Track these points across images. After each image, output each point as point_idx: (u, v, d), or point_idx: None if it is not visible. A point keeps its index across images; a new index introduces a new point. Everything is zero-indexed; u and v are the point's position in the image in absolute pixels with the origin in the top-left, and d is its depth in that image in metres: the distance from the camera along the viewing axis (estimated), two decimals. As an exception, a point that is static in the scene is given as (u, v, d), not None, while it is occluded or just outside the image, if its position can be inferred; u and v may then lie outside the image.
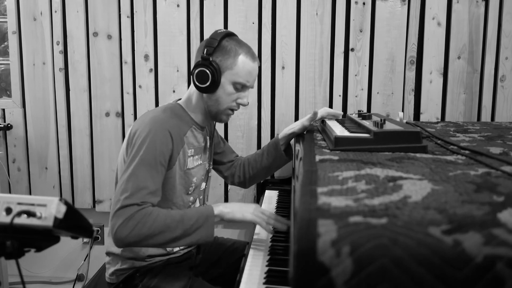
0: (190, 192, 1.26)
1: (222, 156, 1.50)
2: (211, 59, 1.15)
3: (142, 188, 1.06)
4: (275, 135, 1.49)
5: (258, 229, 1.40)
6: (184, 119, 1.24)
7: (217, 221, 1.12)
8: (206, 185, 1.40)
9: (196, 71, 1.16)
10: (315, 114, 1.37)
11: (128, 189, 1.05)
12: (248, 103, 1.26)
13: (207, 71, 1.15)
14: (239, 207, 1.16)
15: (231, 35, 1.22)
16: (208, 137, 1.37)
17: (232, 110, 1.24)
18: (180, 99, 1.32)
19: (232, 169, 1.52)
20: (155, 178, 1.09)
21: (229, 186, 2.07)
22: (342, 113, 1.45)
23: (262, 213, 1.17)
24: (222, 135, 2.03)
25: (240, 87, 1.20)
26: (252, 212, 1.16)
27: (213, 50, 1.16)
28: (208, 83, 1.15)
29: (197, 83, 1.16)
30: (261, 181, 2.00)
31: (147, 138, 1.10)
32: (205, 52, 1.16)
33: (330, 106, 1.99)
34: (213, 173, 1.59)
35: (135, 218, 1.02)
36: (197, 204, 1.36)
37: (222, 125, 2.04)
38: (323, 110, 1.42)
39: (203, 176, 1.32)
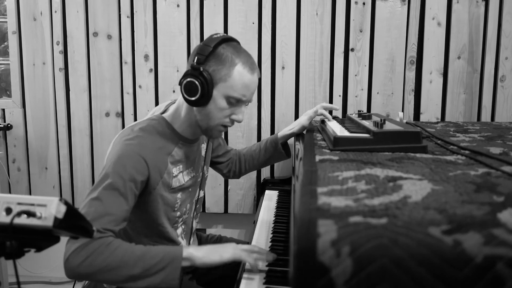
0: (176, 209, 1.18)
1: (222, 156, 1.49)
2: (202, 69, 1.01)
3: (105, 215, 0.95)
4: (274, 134, 1.49)
5: (257, 229, 1.40)
6: (169, 136, 1.12)
7: (185, 265, 0.97)
8: (203, 192, 1.35)
9: (185, 81, 1.02)
10: (314, 112, 1.39)
11: (89, 213, 0.95)
12: (243, 120, 1.12)
13: (197, 82, 1.01)
14: (215, 249, 1.02)
15: (229, 40, 1.07)
16: (203, 144, 1.29)
17: (225, 126, 1.11)
18: (170, 105, 1.20)
19: (230, 165, 1.52)
20: (122, 205, 0.98)
21: (229, 186, 2.07)
22: (338, 107, 1.44)
23: (242, 249, 1.04)
24: (222, 135, 2.03)
25: (235, 101, 1.06)
26: (233, 250, 1.02)
27: (205, 58, 1.02)
28: (197, 96, 1.02)
29: (185, 95, 1.03)
30: (261, 181, 2.01)
31: (118, 164, 0.99)
32: (195, 61, 1.02)
33: (330, 106, 1.99)
34: (213, 172, 1.59)
35: (90, 247, 0.91)
36: (193, 214, 1.31)
37: (222, 125, 2.04)
38: (320, 107, 1.41)
39: (191, 189, 1.23)
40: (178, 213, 1.20)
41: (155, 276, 0.93)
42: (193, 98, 1.03)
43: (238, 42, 1.11)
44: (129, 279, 0.93)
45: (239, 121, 1.10)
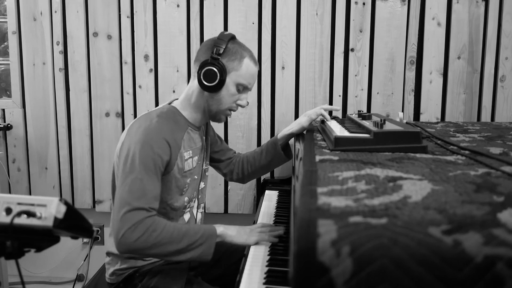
0: (184, 193, 1.26)
1: (220, 154, 1.52)
2: (220, 59, 1.18)
3: (148, 192, 1.07)
4: (275, 135, 1.49)
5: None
6: (180, 122, 1.24)
7: (218, 241, 1.14)
8: (204, 184, 1.41)
9: (204, 69, 1.17)
10: (316, 114, 1.38)
11: (134, 192, 1.06)
12: (247, 104, 1.28)
13: (216, 69, 1.17)
14: (243, 231, 1.19)
15: (235, 38, 1.26)
16: (204, 137, 1.38)
17: (231, 110, 1.26)
18: (175, 99, 1.31)
19: (231, 166, 1.53)
20: (155, 182, 1.11)
21: (229, 186, 2.08)
22: (339, 108, 1.45)
23: (261, 232, 1.21)
24: (222, 135, 2.03)
25: (242, 88, 1.23)
26: (258, 236, 1.19)
27: (223, 50, 1.18)
28: (215, 82, 1.17)
29: (204, 82, 1.18)
30: (261, 181, 2.01)
31: (144, 145, 1.10)
32: (214, 52, 1.18)
33: (330, 106, 1.99)
34: (213, 172, 1.60)
35: (143, 225, 1.03)
36: (195, 203, 1.37)
37: (222, 125, 2.04)
38: (319, 111, 1.41)
39: (196, 176, 1.32)
40: (186, 198, 1.28)
41: (195, 250, 1.08)
42: (211, 84, 1.18)
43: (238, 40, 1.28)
44: (175, 252, 1.06)
45: (243, 106, 1.27)
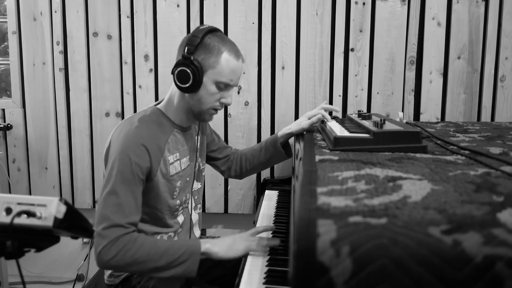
0: (175, 196, 1.23)
1: (217, 152, 1.51)
2: (192, 58, 1.09)
3: (124, 205, 1.04)
4: (275, 133, 1.49)
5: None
6: (164, 125, 1.19)
7: (202, 258, 1.08)
8: (200, 184, 1.39)
9: (177, 70, 1.10)
10: (318, 119, 1.37)
11: (110, 207, 1.03)
12: (231, 102, 1.20)
13: (188, 70, 1.09)
14: (229, 245, 1.11)
15: (214, 31, 1.15)
16: (197, 136, 1.34)
17: (216, 109, 1.19)
18: (161, 100, 1.27)
19: (229, 163, 1.52)
20: (135, 192, 1.07)
21: (229, 186, 2.07)
22: (339, 109, 1.42)
23: (253, 240, 1.14)
24: (222, 135, 2.03)
25: (223, 86, 1.15)
26: (244, 246, 1.12)
27: (195, 48, 1.10)
28: (189, 83, 1.10)
29: (178, 83, 1.11)
30: (261, 181, 2.01)
31: (122, 155, 1.06)
32: (186, 51, 1.10)
33: (330, 106, 1.99)
34: (213, 172, 1.60)
35: (119, 243, 1.01)
36: (191, 205, 1.34)
37: (222, 125, 2.04)
38: (320, 114, 1.38)
39: (188, 178, 1.29)
40: (178, 201, 1.24)
41: (177, 268, 1.04)
42: (185, 85, 1.11)
43: (221, 32, 1.19)
44: (154, 270, 1.04)
45: (228, 104, 1.19)
